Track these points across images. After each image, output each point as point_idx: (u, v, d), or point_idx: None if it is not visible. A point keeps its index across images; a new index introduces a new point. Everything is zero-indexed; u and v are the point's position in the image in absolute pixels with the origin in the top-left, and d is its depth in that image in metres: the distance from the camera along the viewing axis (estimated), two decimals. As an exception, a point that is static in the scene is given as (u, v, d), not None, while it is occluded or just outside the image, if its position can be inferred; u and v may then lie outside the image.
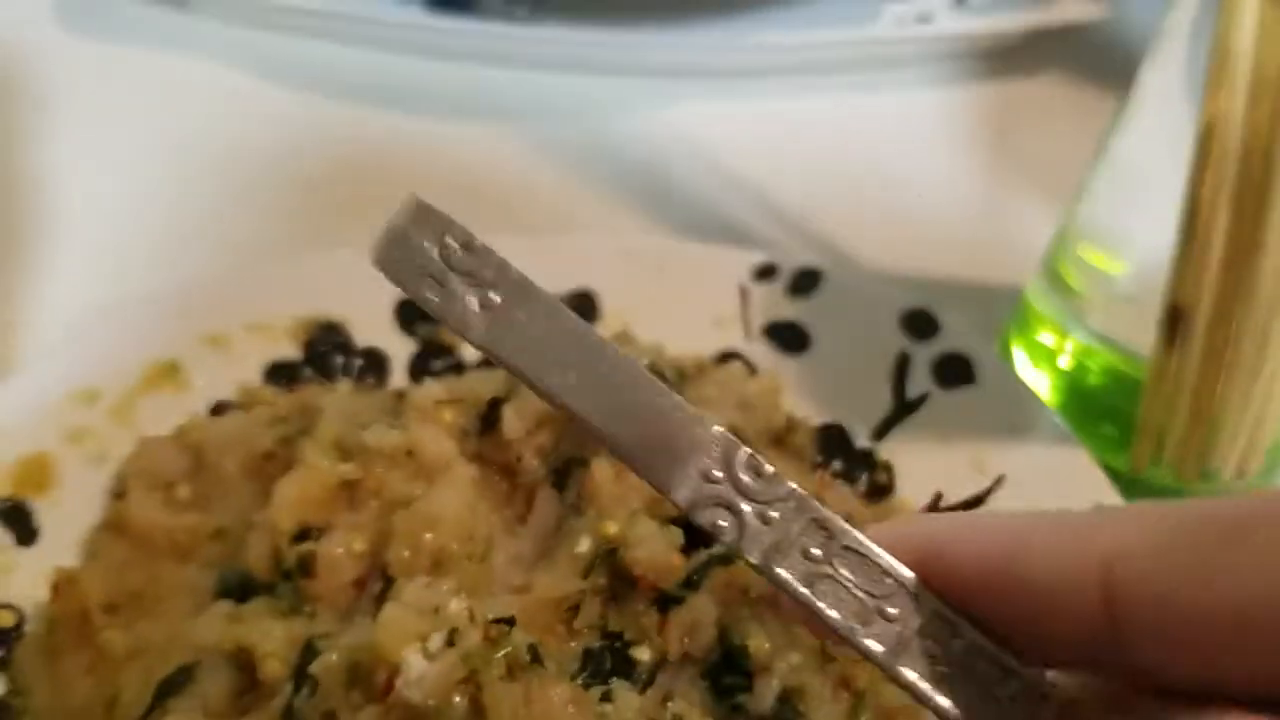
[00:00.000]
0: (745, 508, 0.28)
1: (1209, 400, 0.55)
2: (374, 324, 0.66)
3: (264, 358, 0.64)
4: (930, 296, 0.67)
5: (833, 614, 0.28)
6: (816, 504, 0.28)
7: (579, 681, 0.47)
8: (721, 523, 0.28)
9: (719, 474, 0.28)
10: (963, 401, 0.63)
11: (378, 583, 0.49)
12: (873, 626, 0.28)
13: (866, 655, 0.28)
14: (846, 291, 0.67)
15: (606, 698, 0.46)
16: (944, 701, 0.27)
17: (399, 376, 0.65)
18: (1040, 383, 0.67)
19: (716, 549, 0.51)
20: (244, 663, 0.47)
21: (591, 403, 0.28)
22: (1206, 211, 0.51)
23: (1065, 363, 0.66)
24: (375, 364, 0.65)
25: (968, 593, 0.27)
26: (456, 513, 0.49)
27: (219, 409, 0.62)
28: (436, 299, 0.28)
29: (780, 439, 0.60)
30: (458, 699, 0.42)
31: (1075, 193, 0.64)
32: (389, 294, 0.67)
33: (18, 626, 0.54)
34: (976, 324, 0.70)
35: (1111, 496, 0.58)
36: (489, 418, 0.56)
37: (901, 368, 0.65)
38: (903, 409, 0.64)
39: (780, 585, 0.28)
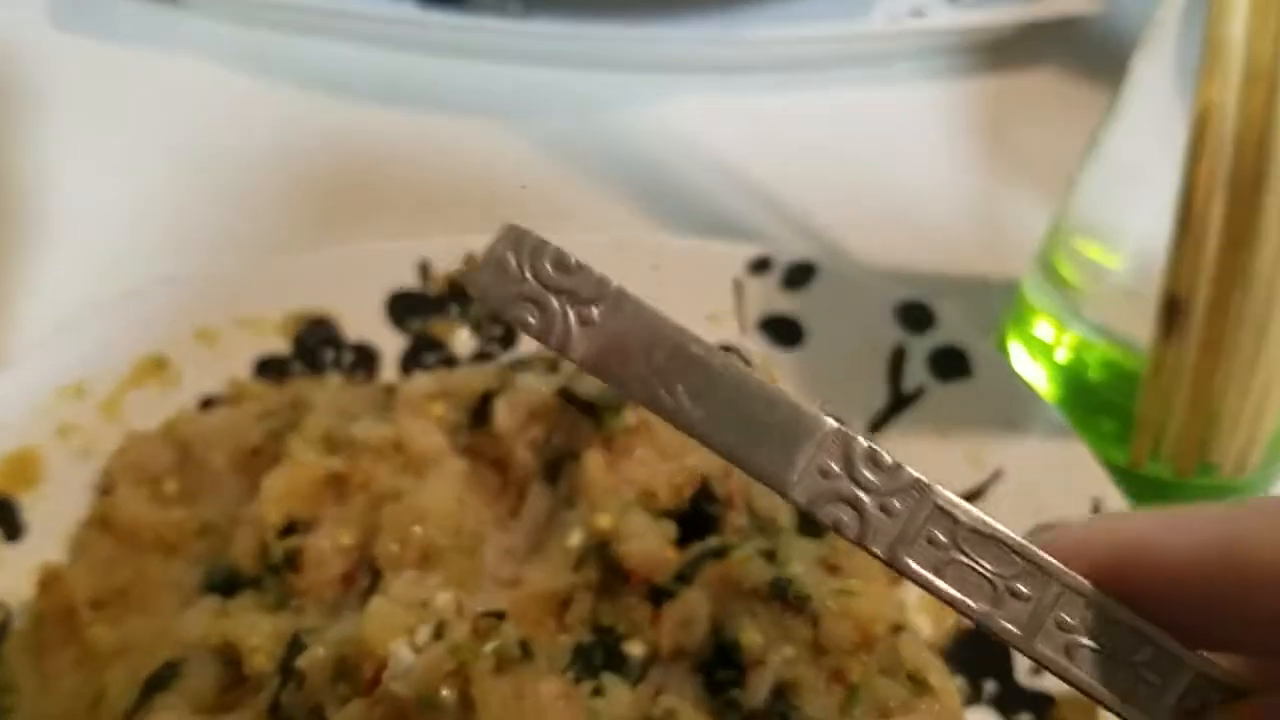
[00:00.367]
0: (866, 500, 0.28)
1: (1208, 392, 0.54)
2: (365, 319, 0.65)
3: (253, 353, 0.64)
4: (925, 289, 0.66)
5: (964, 599, 0.28)
6: (939, 490, 0.28)
7: (570, 676, 0.47)
8: (843, 518, 0.28)
9: (837, 469, 0.28)
10: (959, 395, 0.63)
11: (365, 577, 0.48)
12: (1005, 608, 0.28)
13: (1003, 637, 0.28)
14: (841, 284, 0.67)
15: (598, 692, 0.45)
16: (1085, 677, 0.27)
17: (390, 371, 0.65)
18: (1037, 376, 0.67)
19: (710, 542, 0.50)
20: (230, 657, 0.46)
21: (701, 413, 0.28)
22: (1201, 201, 0.50)
23: (1062, 356, 0.66)
24: (366, 359, 0.65)
25: (1174, 588, 0.27)
26: (445, 506, 0.49)
27: (207, 404, 0.61)
28: (535, 321, 0.28)
29: (774, 433, 0.60)
30: (446, 692, 0.41)
31: (1069, 185, 0.64)
32: (380, 288, 0.66)
33: (4, 623, 0.53)
34: (972, 317, 0.69)
35: (1110, 490, 0.58)
36: (480, 411, 0.55)
37: (897, 361, 0.64)
38: (898, 402, 0.64)
39: (909, 576, 0.28)
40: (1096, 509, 0.58)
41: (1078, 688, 0.28)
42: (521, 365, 0.58)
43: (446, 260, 0.67)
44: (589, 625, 0.48)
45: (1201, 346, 0.53)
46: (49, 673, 0.52)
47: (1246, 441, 0.56)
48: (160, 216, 0.78)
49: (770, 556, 0.49)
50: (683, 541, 0.51)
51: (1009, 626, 0.28)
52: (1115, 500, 0.58)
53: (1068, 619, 0.27)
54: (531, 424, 0.55)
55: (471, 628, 0.42)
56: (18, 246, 0.74)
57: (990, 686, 0.54)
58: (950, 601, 0.28)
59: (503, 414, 0.54)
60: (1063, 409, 0.62)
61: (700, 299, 0.68)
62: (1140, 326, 0.56)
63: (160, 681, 0.47)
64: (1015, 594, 0.28)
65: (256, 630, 0.46)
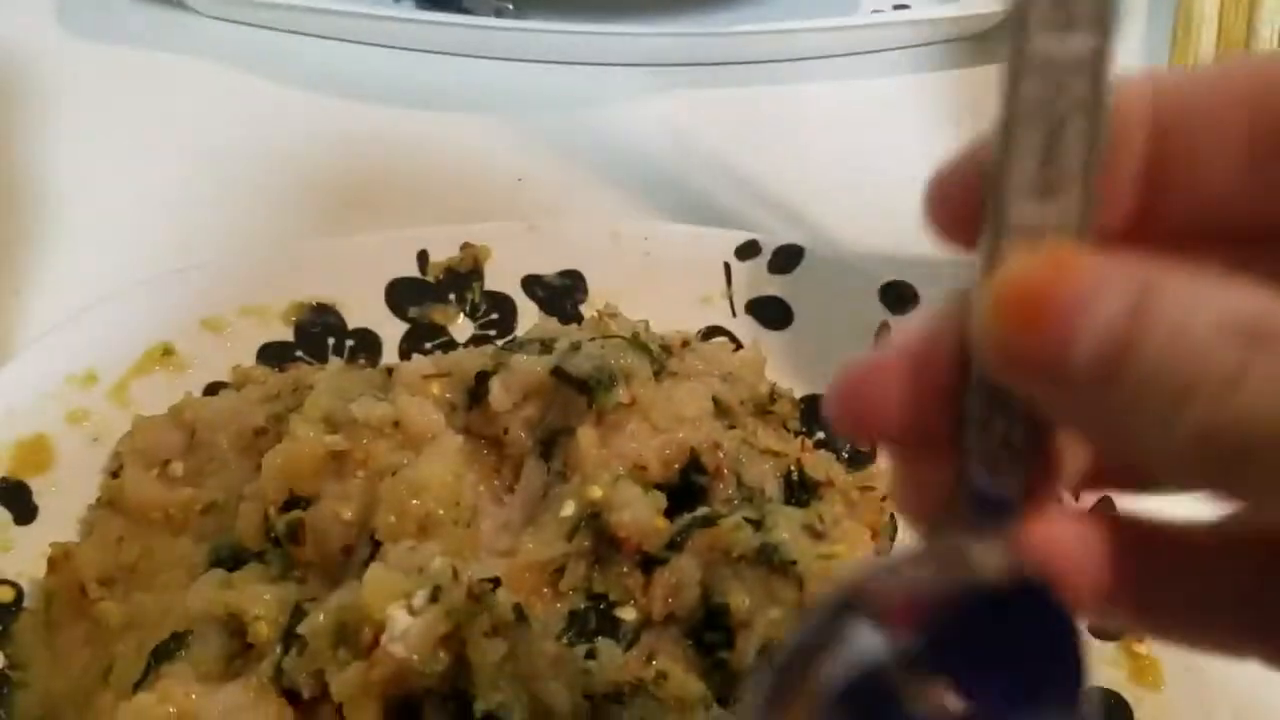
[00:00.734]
0: None
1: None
2: (366, 306, 0.67)
3: (258, 340, 0.65)
4: (912, 274, 0.68)
5: None
6: None
7: (564, 641, 0.49)
8: None
9: None
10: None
11: (366, 549, 0.50)
12: None
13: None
14: (827, 267, 0.69)
15: (591, 655, 0.47)
16: None
17: (391, 357, 0.66)
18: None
19: (699, 511, 0.52)
20: (235, 628, 0.48)
21: None
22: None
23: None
24: (367, 344, 0.66)
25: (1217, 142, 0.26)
26: (443, 479, 0.50)
27: (213, 389, 0.63)
28: None
29: (764, 409, 0.61)
30: (442, 654, 0.43)
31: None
32: (380, 277, 0.68)
33: (16, 602, 0.55)
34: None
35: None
36: (477, 391, 0.57)
37: (882, 339, 0.66)
38: (884, 380, 0.65)
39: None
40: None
41: None
42: (516, 345, 0.60)
43: (444, 249, 0.69)
44: (582, 592, 0.50)
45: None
46: (60, 649, 0.54)
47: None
48: (166, 212, 0.79)
49: (757, 525, 0.50)
50: (672, 512, 0.52)
51: None
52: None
53: None
54: (526, 403, 0.56)
55: (467, 591, 0.43)
56: (29, 240, 0.76)
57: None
58: None
59: (498, 393, 0.55)
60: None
61: (691, 283, 0.69)
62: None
63: (166, 652, 0.48)
64: None
65: (259, 600, 0.47)
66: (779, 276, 0.69)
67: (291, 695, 0.45)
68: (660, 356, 0.59)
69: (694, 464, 0.54)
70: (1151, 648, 0.55)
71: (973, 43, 0.96)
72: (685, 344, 0.63)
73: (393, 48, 0.92)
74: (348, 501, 0.51)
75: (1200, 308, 0.22)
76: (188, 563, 0.53)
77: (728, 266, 0.70)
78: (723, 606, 0.48)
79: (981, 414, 0.26)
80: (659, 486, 0.53)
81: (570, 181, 0.83)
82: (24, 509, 0.57)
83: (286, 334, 0.66)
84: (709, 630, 0.48)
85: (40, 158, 0.82)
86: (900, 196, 0.82)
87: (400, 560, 0.45)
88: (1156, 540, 0.28)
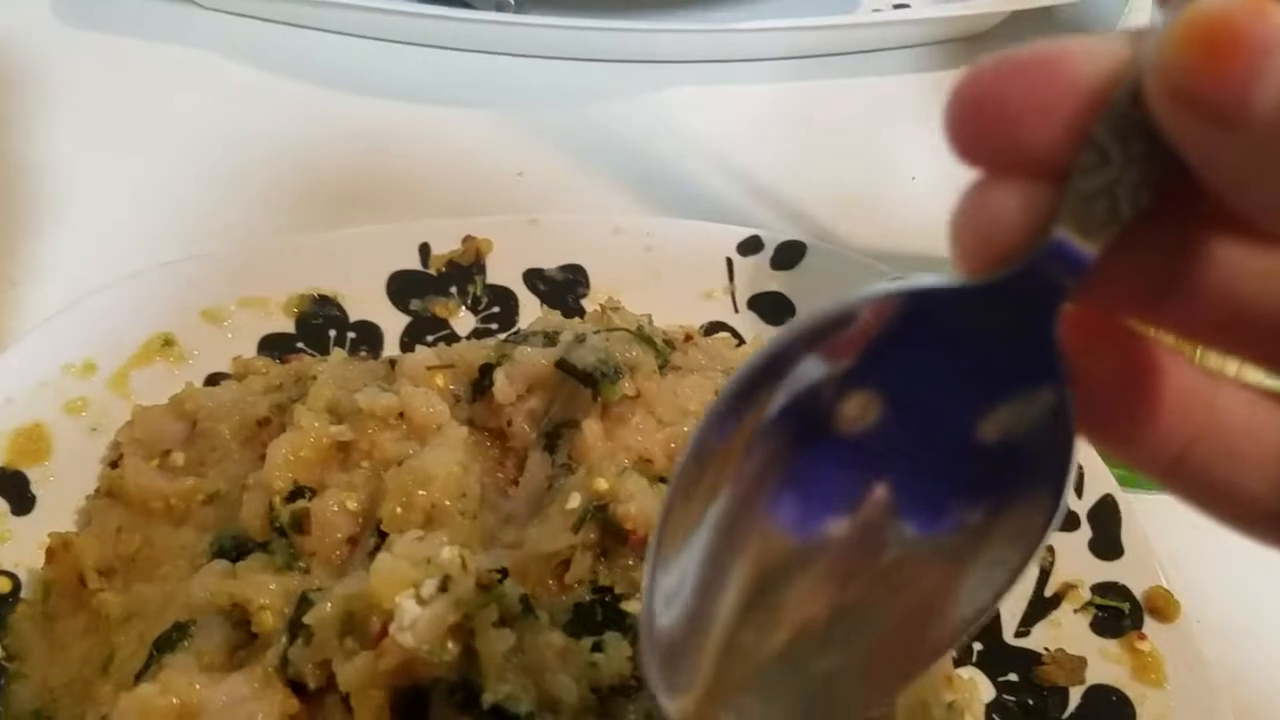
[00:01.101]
0: None
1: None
2: (367, 298, 0.67)
3: (259, 331, 0.65)
4: (909, 269, 0.68)
5: None
6: None
7: (571, 634, 0.48)
8: None
9: None
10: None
11: (371, 538, 0.49)
12: None
13: None
14: (829, 263, 0.69)
15: (598, 647, 0.46)
16: None
17: (392, 349, 0.66)
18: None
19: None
20: (239, 618, 0.47)
21: None
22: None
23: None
24: (369, 336, 0.66)
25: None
26: (448, 470, 0.50)
27: (214, 380, 0.62)
28: None
29: (767, 405, 0.61)
30: (451, 644, 0.42)
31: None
32: (381, 269, 0.68)
33: (14, 593, 0.54)
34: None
35: (1089, 456, 0.59)
36: (481, 383, 0.57)
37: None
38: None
39: None
40: (1080, 476, 0.59)
41: None
42: (520, 338, 0.59)
43: (446, 242, 0.69)
44: (589, 585, 0.50)
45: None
46: (59, 640, 0.53)
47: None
48: (166, 203, 0.79)
49: (764, 518, 0.50)
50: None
51: None
52: (1097, 467, 0.59)
53: None
54: (530, 395, 0.56)
55: (475, 581, 0.43)
56: (29, 230, 0.75)
57: (978, 646, 0.56)
58: None
59: (502, 385, 0.55)
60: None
61: (694, 278, 0.69)
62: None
63: (169, 642, 0.48)
64: None
65: (264, 590, 0.47)
66: (781, 272, 0.69)
67: (297, 686, 0.45)
68: (664, 350, 0.59)
69: (700, 457, 0.54)
70: (1154, 645, 0.55)
71: (972, 42, 0.96)
72: (688, 338, 0.63)
73: (394, 42, 0.92)
74: (353, 492, 0.51)
75: None
76: (189, 553, 0.53)
77: (730, 262, 0.70)
78: (730, 599, 0.48)
79: (1102, 154, 0.24)
80: (663, 479, 0.53)
81: (571, 176, 0.83)
82: (21, 499, 0.57)
83: (288, 325, 0.66)
84: (716, 623, 0.48)
85: (39, 149, 0.82)
86: (897, 192, 0.83)
87: (408, 550, 0.44)
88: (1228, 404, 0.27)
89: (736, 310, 0.69)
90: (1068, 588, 0.57)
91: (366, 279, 0.67)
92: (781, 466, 0.28)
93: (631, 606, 0.50)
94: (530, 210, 0.76)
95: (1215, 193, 0.24)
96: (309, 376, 0.58)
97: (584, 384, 0.55)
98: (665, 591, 0.29)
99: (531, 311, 0.67)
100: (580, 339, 0.57)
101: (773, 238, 0.70)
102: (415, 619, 0.42)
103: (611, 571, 0.50)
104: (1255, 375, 0.28)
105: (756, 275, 0.69)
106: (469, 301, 0.68)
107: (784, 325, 0.26)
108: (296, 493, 0.51)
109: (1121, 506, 0.58)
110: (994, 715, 0.54)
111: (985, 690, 0.54)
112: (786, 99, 0.92)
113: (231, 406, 0.58)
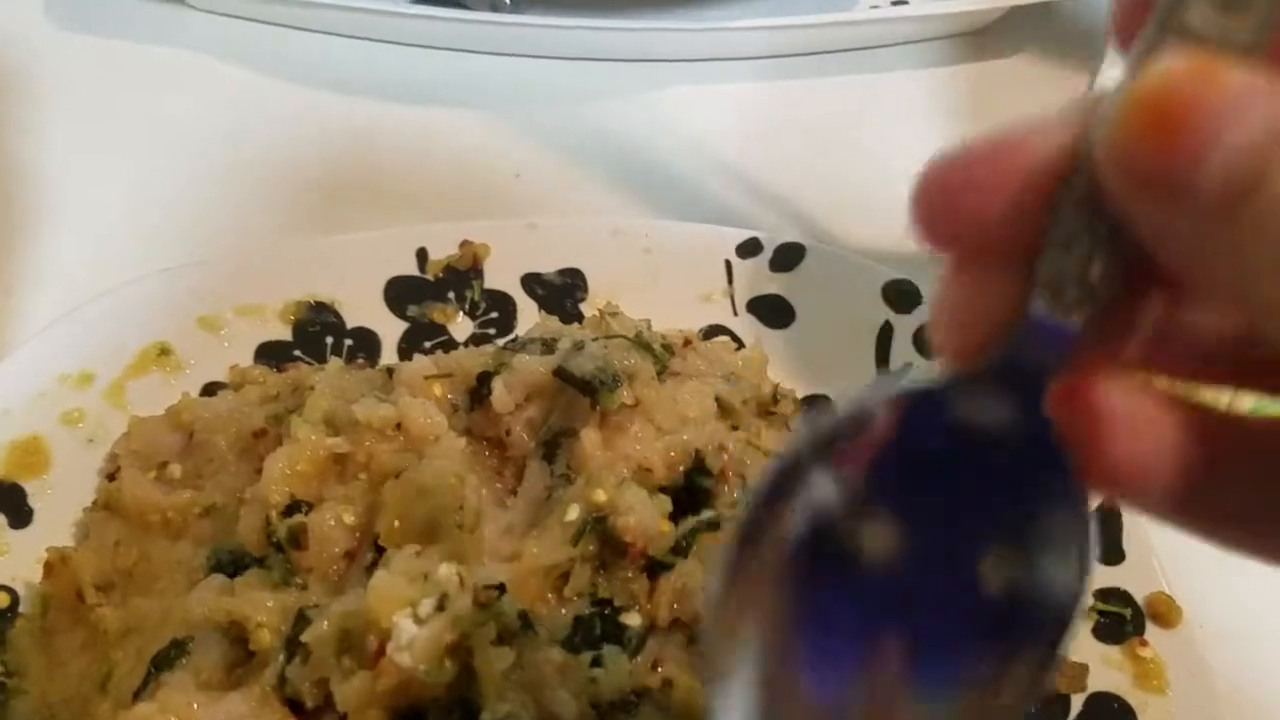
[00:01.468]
0: None
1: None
2: (364, 305, 0.67)
3: (255, 339, 0.65)
4: (912, 271, 0.67)
5: None
6: None
7: (569, 648, 0.48)
8: None
9: None
10: (946, 371, 0.64)
11: (369, 553, 0.49)
12: None
13: None
14: (829, 265, 0.68)
15: (597, 663, 0.46)
16: None
17: (389, 356, 0.66)
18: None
19: (704, 515, 0.52)
20: (236, 635, 0.47)
21: None
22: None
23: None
24: (366, 343, 0.66)
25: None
26: (446, 482, 0.49)
27: (210, 390, 0.62)
28: None
29: (767, 409, 0.61)
30: (448, 664, 0.42)
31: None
32: (378, 275, 0.67)
33: (11, 608, 0.54)
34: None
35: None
36: (479, 392, 0.56)
37: (885, 339, 0.65)
38: (887, 380, 0.65)
39: None
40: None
41: None
42: (518, 345, 0.59)
43: (443, 247, 0.68)
44: (588, 598, 0.49)
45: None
46: (57, 656, 0.53)
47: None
48: (161, 206, 0.78)
49: (764, 528, 0.50)
50: (676, 515, 0.52)
51: None
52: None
53: None
54: (529, 404, 0.56)
55: (473, 599, 0.43)
56: (21, 236, 0.75)
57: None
58: None
59: (500, 394, 0.55)
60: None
61: (692, 281, 0.69)
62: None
63: (167, 660, 0.48)
64: None
65: (262, 607, 0.47)
66: (781, 274, 0.68)
67: (294, 705, 0.45)
68: (663, 356, 0.58)
69: (698, 466, 0.53)
70: (1156, 652, 0.55)
71: (971, 38, 0.95)
72: (687, 343, 0.62)
73: (390, 42, 0.91)
74: (350, 505, 0.50)
75: None
76: (186, 567, 0.53)
77: (729, 264, 0.69)
78: (730, 613, 0.48)
79: (1067, 231, 0.24)
80: (663, 489, 0.53)
81: (569, 178, 0.83)
82: (19, 512, 0.57)
83: (284, 333, 0.65)
84: (716, 637, 0.48)
85: (32, 154, 0.81)
86: (897, 190, 0.83)
87: (405, 567, 0.44)
88: (1228, 433, 0.26)
89: (736, 313, 0.68)
90: (1069, 593, 0.57)
91: (363, 285, 0.67)
92: (803, 606, 0.27)
93: (630, 619, 0.49)
94: (528, 212, 0.75)
95: (1170, 270, 0.24)
96: (306, 386, 0.57)
97: (582, 393, 0.54)
98: None
99: (530, 316, 0.67)
100: (578, 346, 0.56)
101: (772, 240, 0.69)
102: (412, 638, 0.41)
103: (610, 584, 0.50)
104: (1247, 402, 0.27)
105: (756, 277, 0.69)
106: (467, 307, 0.68)
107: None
108: (293, 507, 0.50)
109: (1123, 511, 0.58)
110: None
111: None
112: (784, 97, 0.91)
113: (228, 417, 0.57)
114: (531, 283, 0.69)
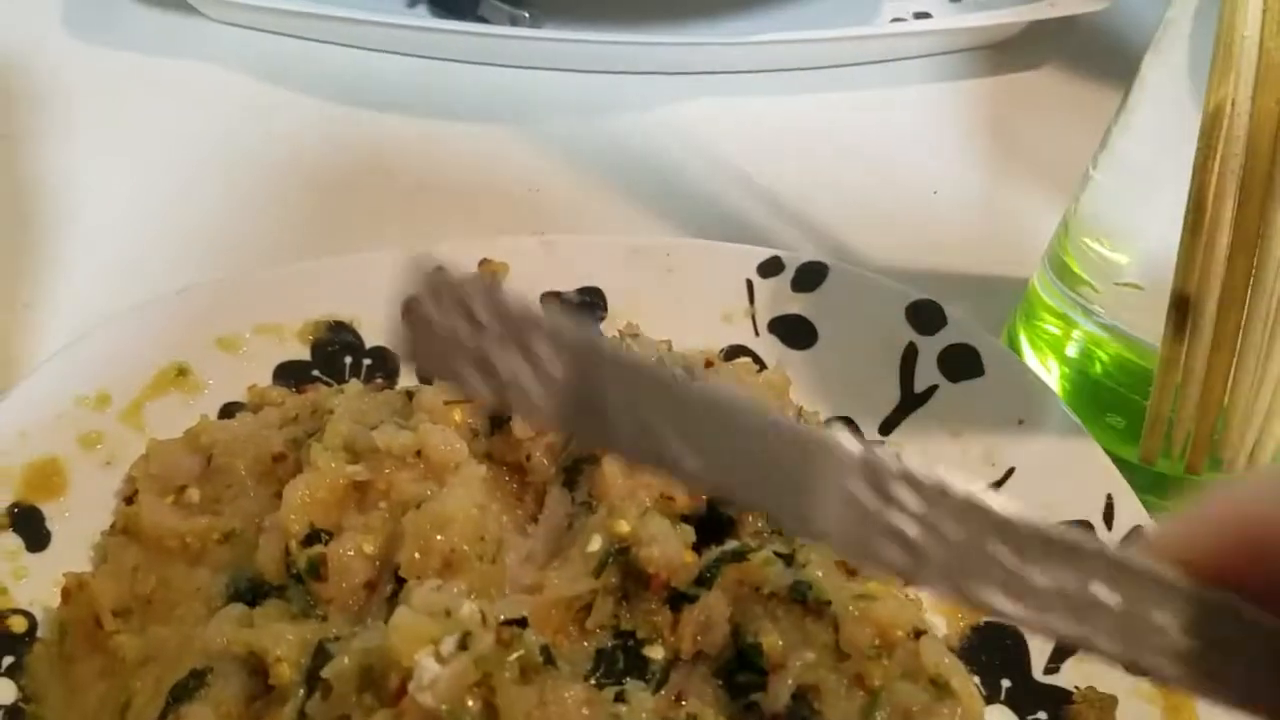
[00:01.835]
0: (913, 530, 0.23)
1: (1219, 390, 0.54)
2: (383, 324, 0.66)
3: (274, 359, 0.64)
4: (934, 289, 0.67)
5: (1054, 624, 0.24)
6: (992, 502, 0.24)
7: (592, 682, 0.48)
8: (890, 556, 0.23)
9: (870, 499, 0.23)
10: (970, 394, 0.63)
11: (389, 584, 0.49)
12: (1098, 623, 0.24)
13: (1106, 655, 0.24)
14: (852, 285, 0.67)
15: (620, 698, 0.46)
16: (1202, 679, 0.24)
17: (408, 376, 0.65)
18: (1047, 373, 0.67)
19: (729, 545, 0.51)
20: (256, 667, 0.47)
21: (700, 461, 0.23)
22: (1212, 200, 0.51)
23: (1073, 353, 0.66)
24: (384, 363, 0.65)
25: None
26: (467, 513, 0.49)
27: (229, 411, 0.62)
28: (482, 385, 0.23)
29: (789, 434, 0.60)
30: (471, 703, 0.42)
31: (1079, 184, 0.64)
32: (397, 293, 0.67)
33: (30, 632, 0.54)
34: (982, 316, 0.70)
35: (1121, 487, 0.58)
36: (499, 417, 0.56)
37: (909, 360, 0.65)
38: (910, 402, 0.64)
39: (981, 605, 0.24)
40: (1109, 506, 0.58)
41: (1196, 692, 0.24)
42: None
43: (462, 264, 0.68)
44: (610, 630, 0.49)
45: (1212, 344, 0.54)
46: (74, 682, 0.52)
47: (1259, 438, 0.56)
48: (177, 223, 0.78)
49: (788, 559, 0.49)
50: (700, 545, 0.51)
51: (1109, 645, 0.24)
52: (1127, 496, 0.58)
53: (1166, 620, 0.24)
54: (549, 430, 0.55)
55: (495, 637, 0.42)
56: (40, 250, 0.75)
57: (1007, 684, 0.55)
58: (1038, 628, 0.24)
59: (521, 419, 0.54)
60: (1072, 406, 0.62)
61: (713, 301, 0.68)
62: (1151, 324, 0.56)
63: (186, 691, 0.47)
64: (1100, 605, 0.24)
65: (281, 640, 0.46)
66: (803, 294, 0.68)
67: (314, 740, 0.44)
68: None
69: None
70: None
71: (994, 51, 0.94)
72: (709, 365, 0.62)
73: (407, 55, 0.91)
74: (370, 535, 0.50)
75: None
76: (205, 594, 0.52)
77: (750, 283, 0.68)
78: (754, 647, 0.47)
79: None
80: (685, 518, 0.52)
81: (587, 193, 0.82)
82: (36, 535, 0.56)
83: (303, 353, 0.65)
84: (740, 671, 0.47)
85: (48, 168, 0.81)
86: (920, 206, 0.82)
87: (426, 602, 0.43)
88: None
89: (757, 333, 0.68)
90: (1097, 622, 0.56)
91: (382, 304, 0.66)
92: None
93: (653, 651, 0.49)
94: (544, 228, 0.75)
95: None
96: (325, 409, 0.57)
97: (604, 419, 0.54)
98: None
99: (549, 336, 0.66)
100: (599, 371, 0.56)
101: (794, 259, 0.69)
102: (435, 678, 0.41)
103: (634, 616, 0.49)
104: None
105: (777, 297, 0.68)
106: (486, 327, 0.67)
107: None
108: (313, 536, 0.50)
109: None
110: (1023, 756, 0.53)
111: (1014, 730, 0.53)
112: (805, 111, 0.91)
113: (247, 440, 0.57)
114: (551, 302, 0.68)
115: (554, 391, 0.23)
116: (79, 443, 0.59)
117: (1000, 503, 0.24)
